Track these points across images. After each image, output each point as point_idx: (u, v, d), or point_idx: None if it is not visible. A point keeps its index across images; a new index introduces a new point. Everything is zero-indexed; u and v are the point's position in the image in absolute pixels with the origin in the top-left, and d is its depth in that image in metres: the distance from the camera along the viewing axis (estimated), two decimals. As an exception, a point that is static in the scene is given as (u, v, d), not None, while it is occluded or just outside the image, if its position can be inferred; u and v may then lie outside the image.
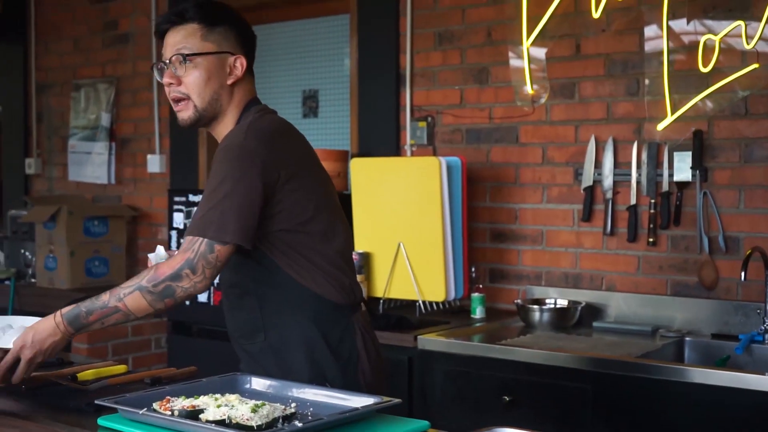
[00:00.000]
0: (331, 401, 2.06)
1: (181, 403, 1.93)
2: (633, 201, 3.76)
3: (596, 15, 3.77)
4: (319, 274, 2.27)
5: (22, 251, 5.28)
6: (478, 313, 3.87)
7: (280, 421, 1.87)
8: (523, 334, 3.57)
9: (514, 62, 3.99)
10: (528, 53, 3.92)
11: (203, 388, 2.09)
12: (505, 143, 4.11)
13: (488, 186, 4.13)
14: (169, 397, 1.98)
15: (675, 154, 3.66)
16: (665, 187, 3.69)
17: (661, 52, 3.65)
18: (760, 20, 3.44)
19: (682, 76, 3.64)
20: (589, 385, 3.05)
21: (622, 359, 3.08)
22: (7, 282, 5.07)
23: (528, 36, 3.90)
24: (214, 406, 1.90)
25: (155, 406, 1.94)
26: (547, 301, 3.88)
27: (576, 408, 3.07)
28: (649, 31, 3.71)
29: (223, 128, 2.32)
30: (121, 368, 2.51)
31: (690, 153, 3.61)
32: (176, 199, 4.30)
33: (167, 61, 2.26)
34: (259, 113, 2.31)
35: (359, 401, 2.01)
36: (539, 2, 3.87)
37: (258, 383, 2.20)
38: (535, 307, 3.75)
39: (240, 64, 2.30)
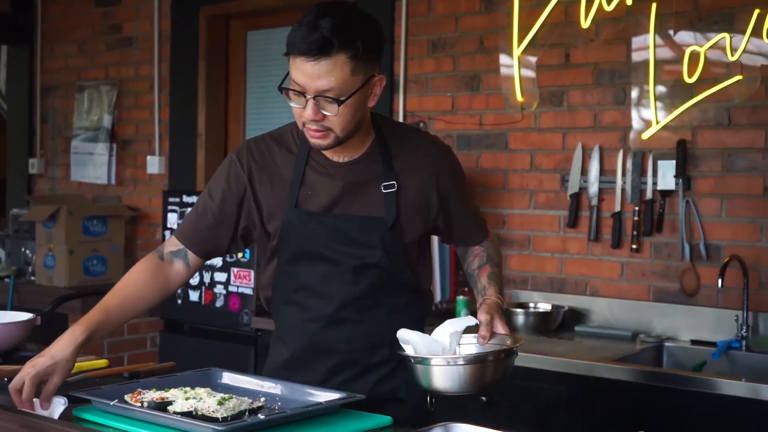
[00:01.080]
0: (300, 396, 2.13)
1: (151, 395, 2.00)
2: (617, 208, 3.82)
3: (585, 25, 3.84)
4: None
5: (23, 249, 5.37)
6: (463, 315, 3.92)
7: (247, 414, 1.94)
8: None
9: (504, 70, 4.06)
10: (518, 61, 3.99)
11: (176, 382, 2.16)
12: (494, 149, 4.18)
13: (478, 191, 4.19)
14: (140, 390, 2.05)
15: (659, 162, 3.72)
16: (649, 194, 3.75)
17: (647, 63, 3.71)
18: (744, 33, 3.50)
19: (668, 87, 3.70)
20: (564, 388, 3.11)
21: (597, 363, 3.13)
22: (7, 279, 5.17)
23: (519, 44, 3.98)
24: (182, 399, 1.97)
25: (126, 397, 2.01)
26: (531, 305, 3.94)
27: (551, 410, 3.13)
28: (637, 41, 3.77)
29: (356, 139, 2.18)
30: (102, 363, 2.58)
31: (674, 162, 3.67)
32: (171, 200, 4.38)
33: (307, 96, 2.03)
34: (381, 116, 2.31)
35: (325, 396, 2.08)
36: (530, 12, 3.94)
37: (230, 378, 2.26)
38: (519, 310, 3.82)
39: (380, 82, 2.12)
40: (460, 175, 2.35)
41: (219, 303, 4.19)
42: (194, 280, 4.28)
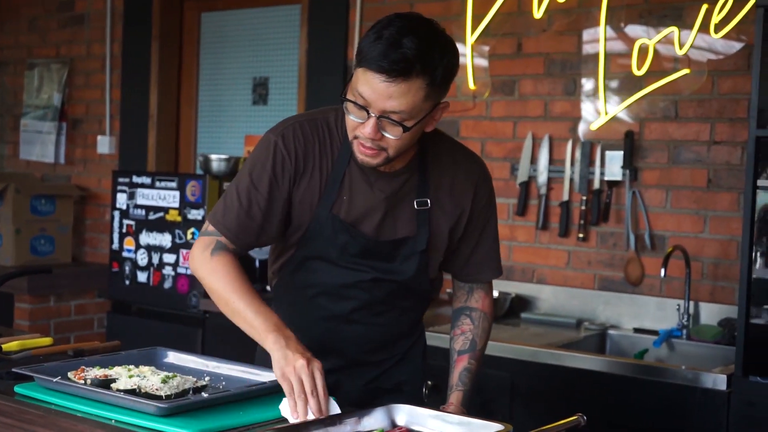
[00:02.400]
0: (244, 376, 2.15)
1: (95, 372, 2.00)
2: (566, 197, 3.87)
3: (538, 15, 3.88)
4: None
5: (-30, 228, 5.30)
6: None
7: (191, 392, 1.94)
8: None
9: (457, 58, 4.08)
10: (471, 50, 4.02)
11: (120, 360, 2.16)
12: (446, 137, 4.19)
13: (428, 178, 4.21)
14: (84, 367, 2.05)
15: (607, 153, 3.77)
16: (597, 185, 3.80)
17: (598, 55, 3.76)
18: (692, 28, 3.56)
19: (618, 78, 3.75)
20: (508, 373, 3.15)
21: (541, 349, 3.18)
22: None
23: (472, 33, 4.00)
24: (126, 377, 1.97)
25: (70, 375, 2.01)
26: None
27: (495, 395, 3.17)
28: (588, 33, 3.82)
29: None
30: (47, 341, 2.56)
31: (621, 153, 3.72)
32: (120, 180, 4.35)
33: (371, 113, 1.92)
34: (438, 132, 2.19)
35: (270, 376, 2.09)
36: (484, 1, 3.96)
37: (175, 357, 2.27)
38: (467, 297, 3.85)
39: (443, 109, 2.02)
40: (493, 201, 2.26)
41: (167, 284, 4.17)
42: (142, 261, 4.26)
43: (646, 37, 3.68)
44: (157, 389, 1.90)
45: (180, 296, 4.13)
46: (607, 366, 3.05)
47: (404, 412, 1.88)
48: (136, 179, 4.27)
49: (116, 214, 4.36)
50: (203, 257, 2.10)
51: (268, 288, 2.40)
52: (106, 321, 4.66)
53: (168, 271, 4.16)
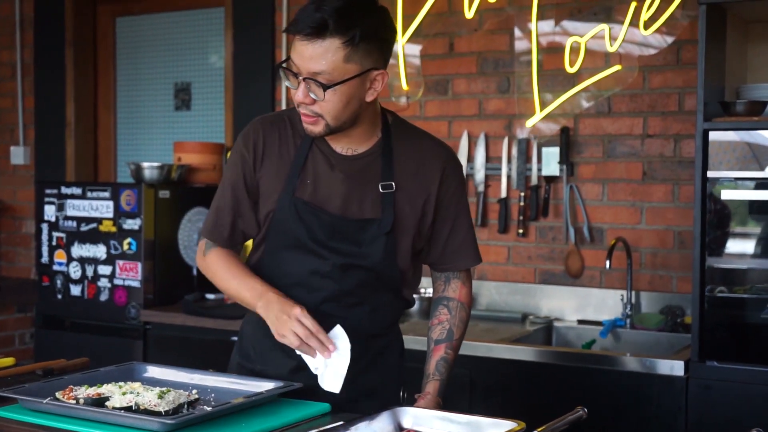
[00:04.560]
0: (232, 386, 2.12)
1: (86, 391, 1.94)
2: (503, 194, 3.93)
3: (469, 15, 3.92)
4: None
5: None
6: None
7: (186, 406, 1.91)
8: (400, 322, 3.66)
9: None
10: (403, 50, 4.04)
11: (103, 377, 2.11)
12: (380, 138, 4.21)
13: (364, 179, 4.21)
14: (71, 386, 1.99)
15: (543, 149, 3.84)
16: (534, 180, 3.87)
17: (530, 52, 3.83)
18: (622, 24, 3.66)
19: (550, 76, 3.83)
20: (467, 370, 3.18)
21: (497, 344, 3.22)
22: None
23: (403, 33, 4.02)
24: (119, 394, 1.92)
25: (58, 395, 1.95)
26: (422, 290, 4.00)
27: (455, 392, 3.19)
28: (519, 32, 3.89)
29: (361, 134, 2.15)
30: (9, 361, 2.47)
31: (557, 149, 3.80)
32: (48, 191, 4.22)
33: (300, 77, 2.00)
34: (395, 116, 2.25)
35: (260, 386, 2.07)
36: (414, 1, 3.99)
37: (155, 371, 2.22)
38: (412, 296, 3.87)
39: (381, 78, 2.05)
40: (463, 188, 2.29)
41: (104, 297, 4.06)
42: (76, 274, 4.13)
43: (577, 35, 3.76)
44: (155, 405, 1.86)
45: (118, 308, 4.02)
46: (564, 358, 3.12)
47: (410, 415, 1.89)
48: (65, 190, 4.14)
49: (44, 226, 4.22)
50: (201, 263, 2.29)
51: None
52: (35, 337, 4.50)
53: (104, 283, 4.05)
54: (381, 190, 2.15)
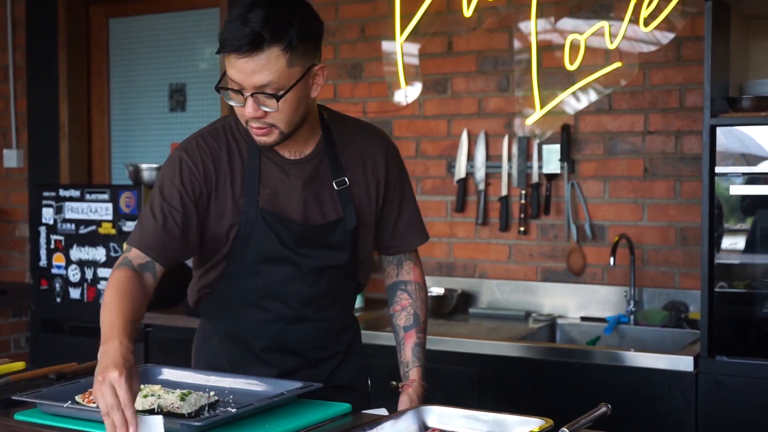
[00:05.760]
0: (250, 388, 2.10)
1: (106, 394, 1.92)
2: (504, 192, 3.93)
3: (468, 14, 3.91)
4: None
5: None
6: (357, 302, 3.94)
7: (206, 408, 1.89)
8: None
9: (387, 58, 4.09)
10: (401, 49, 4.03)
11: (120, 380, 2.08)
12: (379, 137, 4.20)
13: (363, 179, 4.20)
14: (91, 390, 1.96)
15: (544, 147, 3.84)
16: (535, 178, 3.87)
17: (530, 51, 3.83)
18: (622, 21, 3.66)
19: (550, 74, 3.83)
20: (475, 369, 3.18)
21: (506, 342, 3.22)
22: None
23: (401, 33, 4.01)
24: (140, 397, 1.90)
25: (78, 398, 1.93)
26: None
27: (463, 391, 3.20)
28: (518, 30, 3.88)
29: (305, 135, 2.13)
30: (20, 365, 2.45)
31: (558, 146, 3.80)
32: (45, 194, 4.18)
33: (245, 93, 1.96)
34: (329, 111, 2.24)
35: (279, 386, 2.06)
36: (412, 0, 3.98)
37: (171, 373, 2.20)
38: (415, 295, 3.86)
39: (322, 72, 2.03)
40: (404, 169, 2.31)
41: (104, 300, 4.03)
42: (75, 277, 4.10)
43: (577, 32, 3.76)
44: (177, 407, 1.85)
45: (118, 311, 3.99)
46: (574, 355, 3.12)
47: (435, 413, 1.88)
48: (63, 192, 4.11)
49: (42, 229, 4.18)
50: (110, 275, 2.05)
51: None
52: (31, 341, 4.47)
53: (104, 285, 4.01)
54: (336, 188, 2.16)
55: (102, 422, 1.82)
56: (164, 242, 2.07)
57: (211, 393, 2.01)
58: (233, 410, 1.85)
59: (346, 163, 2.18)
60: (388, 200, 2.25)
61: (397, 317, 2.30)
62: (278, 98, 1.96)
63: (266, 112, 1.98)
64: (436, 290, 3.97)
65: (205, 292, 2.26)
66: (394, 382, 2.30)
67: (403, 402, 2.17)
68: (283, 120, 2.01)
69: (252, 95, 1.96)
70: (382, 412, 2.08)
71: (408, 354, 2.25)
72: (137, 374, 1.76)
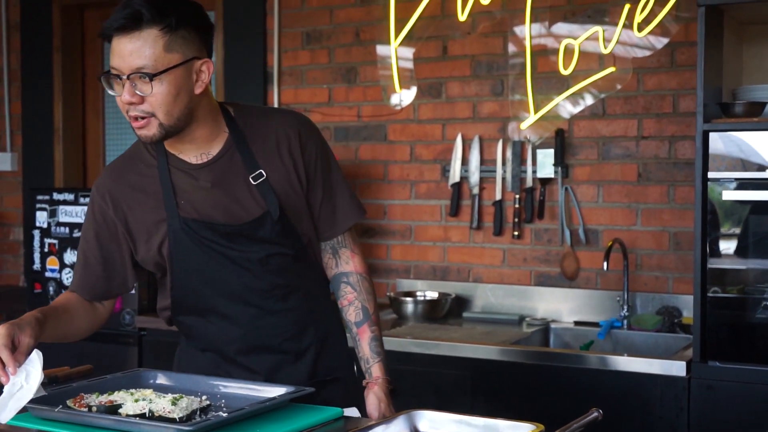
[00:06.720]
0: (241, 392, 2.09)
1: (97, 399, 1.92)
2: (498, 196, 3.93)
3: (462, 18, 3.93)
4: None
5: None
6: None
7: (198, 413, 1.89)
8: (398, 326, 3.67)
9: (382, 62, 4.09)
10: (396, 54, 4.04)
11: (111, 385, 2.09)
12: (373, 141, 4.21)
13: (357, 183, 4.21)
14: (82, 394, 1.97)
15: (538, 151, 3.85)
16: (529, 183, 3.87)
17: (524, 55, 3.83)
18: (616, 26, 3.67)
19: (544, 78, 3.83)
20: (468, 372, 3.18)
21: (500, 347, 3.22)
22: None
23: (396, 37, 4.02)
24: (131, 401, 1.90)
25: (69, 403, 1.93)
26: (418, 293, 4.00)
27: (456, 395, 3.20)
28: (513, 34, 3.89)
29: (206, 135, 2.13)
30: (12, 369, 2.44)
31: (552, 151, 3.81)
32: (39, 197, 4.18)
33: (124, 77, 1.97)
34: (237, 106, 2.22)
35: (271, 391, 2.05)
36: (406, 5, 3.99)
37: (163, 378, 2.20)
38: (408, 299, 3.87)
39: (207, 68, 2.04)
40: (325, 147, 2.25)
41: (97, 303, 4.02)
42: (69, 281, 4.10)
43: (571, 37, 3.77)
44: (168, 412, 1.85)
45: (112, 315, 3.97)
46: (567, 360, 3.12)
47: (426, 418, 1.88)
48: (57, 196, 4.11)
49: (36, 233, 4.18)
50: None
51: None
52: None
53: (98, 289, 4.02)
54: (253, 182, 2.13)
55: (94, 427, 1.83)
56: (92, 281, 2.21)
57: (203, 397, 2.01)
58: (225, 414, 1.85)
59: (260, 155, 2.14)
60: (313, 183, 2.20)
61: (346, 312, 2.27)
62: (152, 78, 1.94)
63: (142, 98, 1.97)
64: (430, 294, 3.98)
65: (166, 314, 2.28)
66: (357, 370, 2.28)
67: (372, 402, 2.15)
68: (161, 107, 1.99)
69: (129, 77, 1.95)
70: (353, 412, 2.08)
71: (366, 350, 2.23)
72: (31, 329, 1.98)
